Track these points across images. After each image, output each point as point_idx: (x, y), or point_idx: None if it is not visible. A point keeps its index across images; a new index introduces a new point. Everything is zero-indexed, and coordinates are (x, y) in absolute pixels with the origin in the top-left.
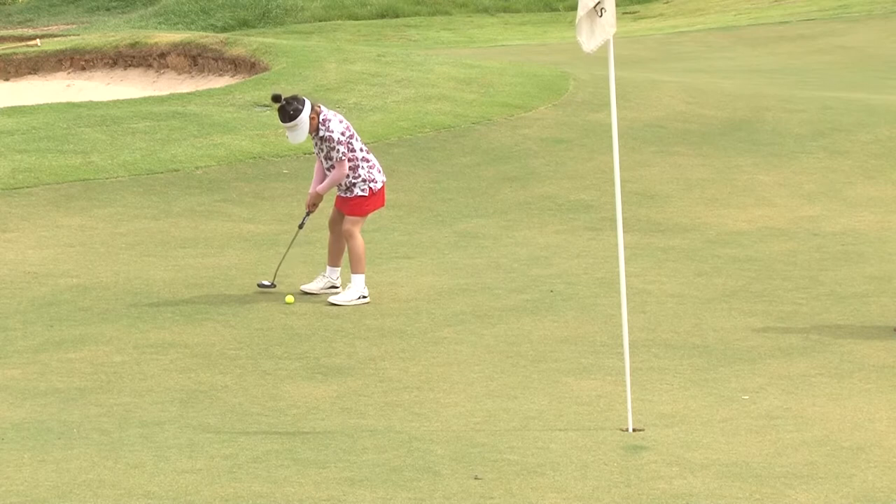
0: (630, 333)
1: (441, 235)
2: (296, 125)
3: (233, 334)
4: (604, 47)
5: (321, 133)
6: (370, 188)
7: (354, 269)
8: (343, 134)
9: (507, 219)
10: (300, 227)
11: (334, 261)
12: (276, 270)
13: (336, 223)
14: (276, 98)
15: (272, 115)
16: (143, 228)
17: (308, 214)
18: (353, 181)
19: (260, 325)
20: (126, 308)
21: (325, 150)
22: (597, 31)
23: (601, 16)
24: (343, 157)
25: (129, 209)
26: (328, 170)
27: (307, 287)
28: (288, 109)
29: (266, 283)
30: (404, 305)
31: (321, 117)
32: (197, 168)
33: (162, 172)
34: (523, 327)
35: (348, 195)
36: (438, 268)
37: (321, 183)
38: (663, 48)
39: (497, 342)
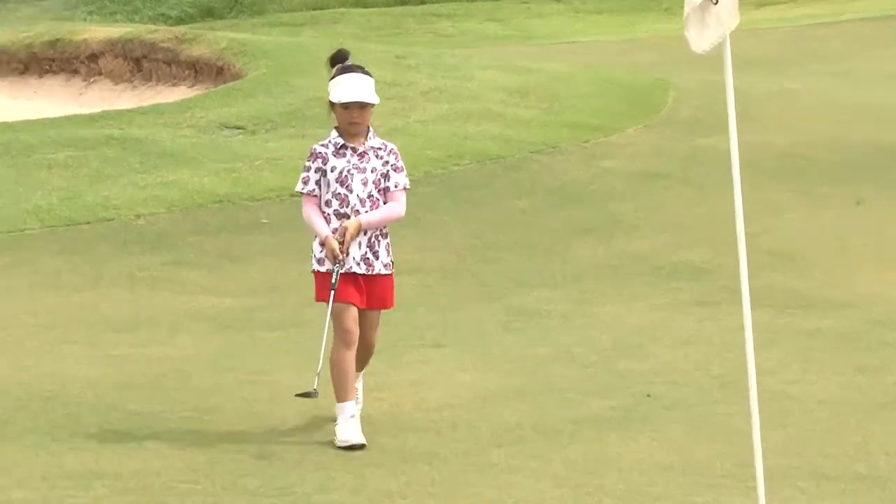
0: (764, 458)
1: (486, 313)
2: (371, 82)
3: (185, 459)
4: (718, 45)
5: (370, 142)
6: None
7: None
8: None
9: (581, 288)
10: (332, 288)
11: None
12: (319, 370)
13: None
14: (341, 54)
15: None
16: (62, 303)
17: (340, 266)
18: (380, 236)
19: (227, 447)
20: (33, 420)
21: (372, 171)
22: (711, 24)
23: (716, 3)
24: (406, 187)
25: (41, 276)
26: (366, 199)
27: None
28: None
29: (308, 390)
30: (434, 416)
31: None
32: (139, 216)
33: (89, 223)
34: (608, 449)
35: (381, 272)
36: (483, 360)
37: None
38: (798, 45)
39: (570, 471)
